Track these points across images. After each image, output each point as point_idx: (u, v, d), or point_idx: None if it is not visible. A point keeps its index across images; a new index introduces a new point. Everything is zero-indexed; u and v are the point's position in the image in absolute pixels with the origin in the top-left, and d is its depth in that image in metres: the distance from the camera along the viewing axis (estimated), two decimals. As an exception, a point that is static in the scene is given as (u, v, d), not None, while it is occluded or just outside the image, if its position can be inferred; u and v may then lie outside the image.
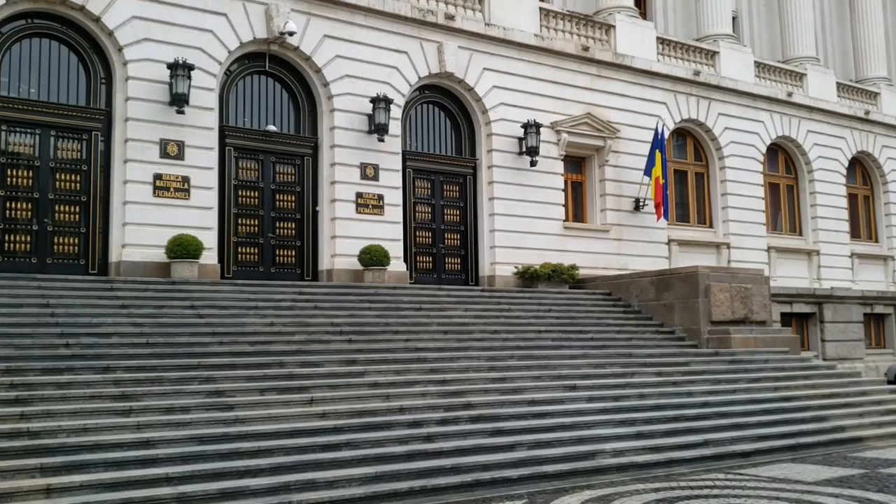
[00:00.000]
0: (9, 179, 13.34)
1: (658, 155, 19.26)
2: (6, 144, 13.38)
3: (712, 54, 22.50)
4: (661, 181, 19.21)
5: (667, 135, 20.49)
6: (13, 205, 13.36)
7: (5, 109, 13.35)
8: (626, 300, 17.21)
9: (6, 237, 13.24)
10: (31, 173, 13.54)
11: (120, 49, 14.11)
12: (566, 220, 19.17)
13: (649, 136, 19.79)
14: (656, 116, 20.61)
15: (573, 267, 17.90)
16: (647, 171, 19.50)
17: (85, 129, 14.02)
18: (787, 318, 22.15)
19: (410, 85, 17.26)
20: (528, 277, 17.59)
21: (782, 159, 24.35)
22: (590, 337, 14.79)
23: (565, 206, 19.23)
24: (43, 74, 13.89)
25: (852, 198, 25.72)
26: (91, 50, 14.23)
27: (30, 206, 13.48)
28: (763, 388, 13.78)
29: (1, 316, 10.60)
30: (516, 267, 17.74)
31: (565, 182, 19.40)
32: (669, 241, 20.73)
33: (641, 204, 19.97)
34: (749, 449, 11.10)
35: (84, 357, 10.01)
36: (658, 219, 19.75)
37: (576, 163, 19.95)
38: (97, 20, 13.98)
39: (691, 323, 15.88)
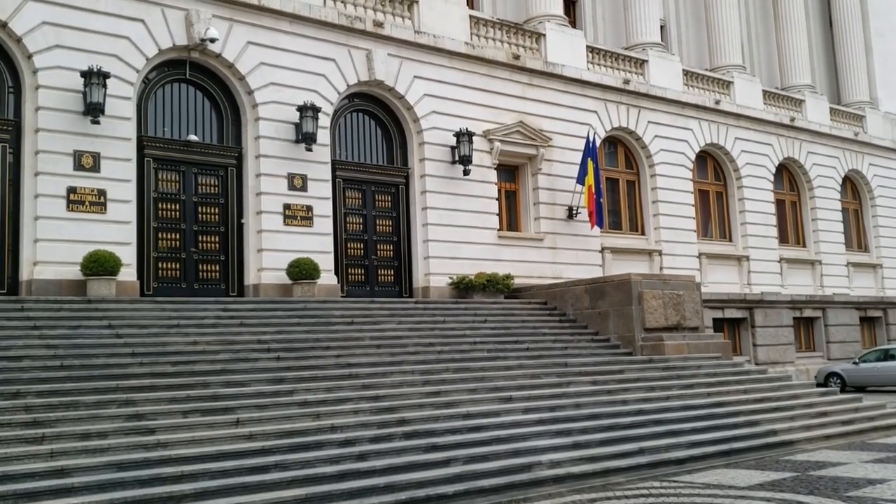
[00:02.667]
0: None
1: (590, 163, 19.64)
2: None
3: (641, 63, 23.12)
4: (594, 189, 19.59)
5: (598, 143, 20.92)
6: (-88, 222, 12.77)
7: None
8: (561, 309, 17.46)
9: None
10: (-69, 188, 12.99)
11: (29, 56, 13.67)
12: (500, 229, 19.36)
13: (581, 144, 20.16)
14: (587, 125, 21.03)
15: (508, 276, 18.08)
16: (580, 180, 19.87)
17: (-9, 140, 13.53)
18: (718, 324, 22.85)
19: (339, 93, 17.21)
20: (463, 288, 17.69)
21: (711, 166, 25.15)
22: (525, 347, 14.93)
23: (499, 215, 19.43)
24: (-56, 83, 13.36)
25: (780, 203, 26.73)
26: (-3, 57, 13.77)
27: (-70, 222, 12.91)
28: (696, 395, 14.14)
29: None
30: (451, 277, 17.83)
31: (499, 191, 19.61)
32: (603, 249, 21.15)
33: (575, 212, 20.33)
34: (684, 456, 11.37)
35: (-9, 383, 9.61)
36: (592, 227, 20.13)
37: (509, 171, 20.18)
38: (4, 26, 13.54)
39: (625, 330, 16.21)
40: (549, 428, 11.35)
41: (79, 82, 13.73)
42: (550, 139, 20.32)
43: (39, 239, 13.40)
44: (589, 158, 19.65)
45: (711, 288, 22.82)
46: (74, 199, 13.71)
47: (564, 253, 20.23)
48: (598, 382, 13.71)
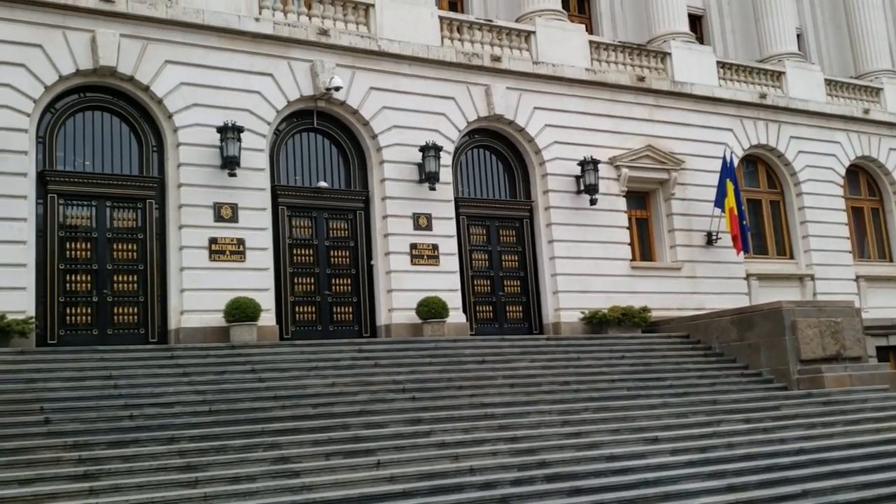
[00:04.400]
0: (68, 252, 14.17)
1: (729, 184, 19.20)
2: (64, 218, 14.24)
3: (778, 75, 22.50)
4: (736, 212, 19.09)
5: (736, 162, 20.43)
6: (73, 277, 14.14)
7: (62, 183, 14.24)
8: (705, 342, 17.07)
9: (68, 310, 14.00)
10: (88, 245, 14.36)
11: (170, 116, 14.96)
12: (633, 259, 19.20)
13: (717, 165, 19.77)
14: (723, 144, 20.60)
15: (644, 309, 17.87)
16: (719, 203, 19.43)
17: (139, 197, 14.84)
18: (883, 353, 21.54)
19: (459, 130, 17.74)
20: (597, 323, 17.61)
21: (864, 181, 23.97)
22: (669, 384, 14.70)
23: (631, 244, 19.28)
24: (97, 146, 14.78)
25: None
26: (142, 119, 15.12)
27: (89, 277, 14.25)
28: (863, 431, 13.48)
29: (66, 390, 11.22)
30: (583, 312, 17.81)
31: (629, 219, 19.47)
32: (748, 276, 20.52)
33: (714, 238, 19.88)
34: (853, 499, 10.84)
35: (148, 428, 10.50)
36: (738, 253, 19.58)
37: (639, 198, 20.03)
38: (146, 89, 14.88)
39: (779, 363, 15.66)
40: (700, 470, 11.14)
41: (215, 138, 14.88)
42: (683, 162, 20.06)
43: (185, 289, 14.53)
44: (727, 179, 19.23)
45: (873, 314, 21.56)
46: (216, 249, 14.79)
47: (705, 282, 19.79)
48: (752, 420, 13.33)
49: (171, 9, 14.99)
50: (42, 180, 14.05)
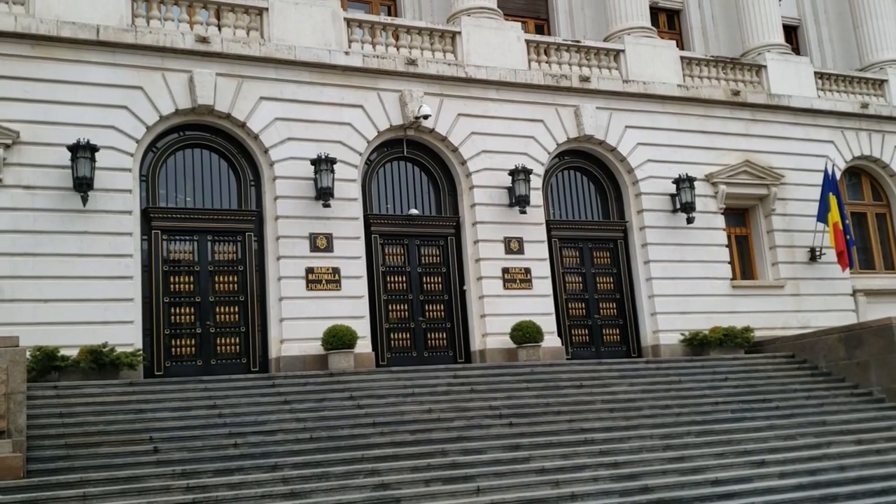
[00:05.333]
0: (172, 286, 14.76)
1: (832, 198, 18.56)
2: (168, 252, 14.86)
3: (880, 83, 21.66)
4: (841, 226, 18.40)
5: (838, 175, 19.74)
6: (177, 310, 14.71)
7: (165, 219, 14.87)
8: (811, 361, 16.47)
9: (173, 342, 14.57)
10: (191, 278, 14.93)
11: (266, 150, 15.46)
12: (733, 277, 18.70)
13: (818, 178, 19.13)
14: (824, 157, 19.91)
15: (747, 329, 17.34)
16: (822, 217, 18.80)
17: (239, 230, 15.37)
18: None
19: (549, 152, 17.70)
20: (697, 344, 17.18)
21: (980, 188, 22.67)
22: (774, 406, 14.23)
23: (731, 262, 18.80)
24: (197, 182, 15.40)
25: None
26: (239, 154, 15.67)
27: (192, 309, 14.80)
28: None
29: (173, 420, 11.63)
30: (682, 333, 17.41)
31: (728, 237, 19.02)
32: (855, 292, 19.72)
33: (818, 253, 19.20)
34: (980, 526, 10.23)
35: (252, 456, 10.78)
36: (844, 268, 18.86)
37: (738, 215, 19.54)
38: (243, 125, 15.44)
39: (891, 382, 14.96)
40: (810, 493, 10.75)
41: (310, 170, 15.29)
42: (782, 176, 19.47)
43: (284, 318, 14.90)
44: (830, 193, 18.58)
45: None
46: (312, 279, 15.14)
47: (810, 299, 19.08)
48: (864, 441, 12.76)
49: (264, 46, 15.54)
50: (146, 217, 14.71)
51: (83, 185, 13.55)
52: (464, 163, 16.93)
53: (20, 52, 13.90)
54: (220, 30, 15.50)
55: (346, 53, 16.21)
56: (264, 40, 15.65)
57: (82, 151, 13.53)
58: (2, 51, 13.79)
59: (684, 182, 17.92)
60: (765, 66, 20.23)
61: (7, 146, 13.49)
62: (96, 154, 13.63)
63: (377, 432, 11.79)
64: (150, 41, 14.69)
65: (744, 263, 19.41)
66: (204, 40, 15.07)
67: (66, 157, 13.62)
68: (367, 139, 16.21)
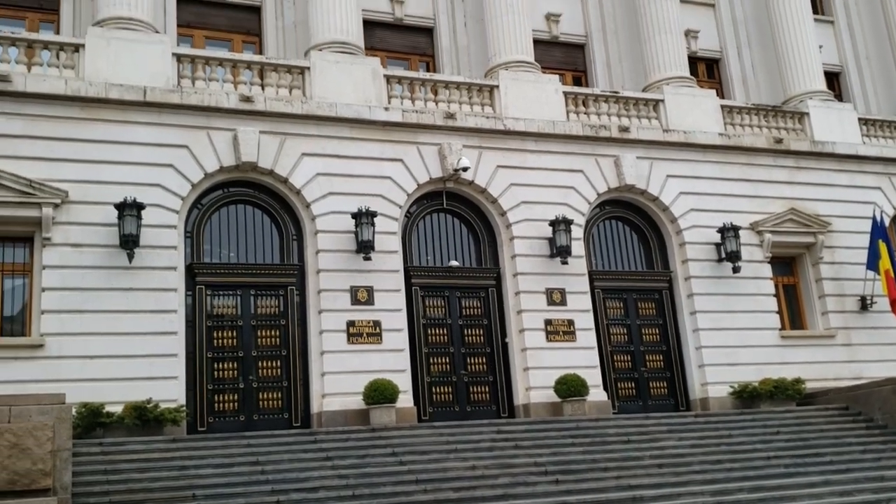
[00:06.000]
0: (215, 341, 14.86)
1: (882, 245, 18.19)
2: (212, 307, 15.00)
3: (927, 128, 21.33)
4: (893, 273, 17.98)
5: (887, 222, 19.43)
6: (220, 365, 14.80)
7: (209, 275, 15.05)
8: (866, 414, 15.99)
9: (216, 397, 14.61)
10: (234, 333, 15.03)
11: (308, 205, 15.64)
12: (782, 327, 18.36)
13: (865, 225, 18.80)
14: (871, 203, 19.61)
15: (798, 381, 16.92)
16: (872, 265, 18.43)
17: (281, 285, 15.48)
18: None
19: (589, 203, 17.64)
20: (747, 396, 16.78)
21: None
22: (829, 460, 13.82)
23: (779, 312, 18.43)
24: (240, 238, 15.61)
25: None
26: (281, 209, 15.87)
27: (235, 364, 14.88)
28: None
29: (216, 476, 11.59)
30: (731, 386, 17.02)
31: (775, 286, 18.69)
32: (910, 341, 19.13)
33: (869, 302, 18.79)
34: None
35: (295, 513, 10.66)
36: (896, 316, 18.37)
37: (784, 264, 19.22)
38: (285, 181, 15.66)
39: (953, 436, 14.38)
40: (874, 555, 10.25)
41: (350, 223, 15.41)
42: (829, 224, 19.16)
43: (326, 372, 14.88)
44: (879, 240, 18.21)
45: None
46: (353, 332, 15.15)
47: (862, 349, 18.58)
48: (928, 499, 12.19)
49: (306, 104, 15.84)
50: (190, 273, 14.90)
51: (129, 243, 13.81)
52: (503, 214, 16.94)
53: (70, 113, 14.34)
54: (263, 89, 15.84)
55: (386, 109, 16.45)
56: (306, 98, 15.96)
57: (129, 209, 13.81)
58: (53, 113, 14.24)
59: (729, 231, 17.71)
60: (807, 114, 20.09)
61: (56, 205, 13.83)
62: (142, 212, 13.91)
63: (420, 489, 11.61)
64: (195, 101, 15.06)
65: (792, 313, 19.04)
66: (248, 99, 15.42)
67: (113, 215, 13.92)
68: (407, 192, 16.33)
